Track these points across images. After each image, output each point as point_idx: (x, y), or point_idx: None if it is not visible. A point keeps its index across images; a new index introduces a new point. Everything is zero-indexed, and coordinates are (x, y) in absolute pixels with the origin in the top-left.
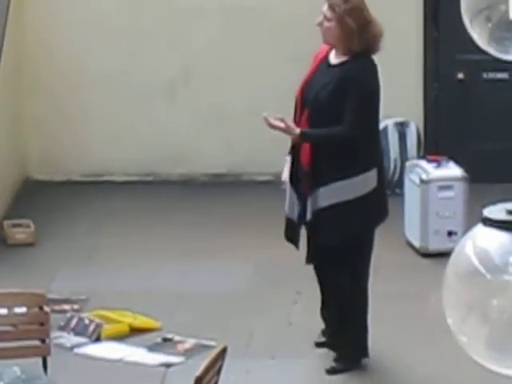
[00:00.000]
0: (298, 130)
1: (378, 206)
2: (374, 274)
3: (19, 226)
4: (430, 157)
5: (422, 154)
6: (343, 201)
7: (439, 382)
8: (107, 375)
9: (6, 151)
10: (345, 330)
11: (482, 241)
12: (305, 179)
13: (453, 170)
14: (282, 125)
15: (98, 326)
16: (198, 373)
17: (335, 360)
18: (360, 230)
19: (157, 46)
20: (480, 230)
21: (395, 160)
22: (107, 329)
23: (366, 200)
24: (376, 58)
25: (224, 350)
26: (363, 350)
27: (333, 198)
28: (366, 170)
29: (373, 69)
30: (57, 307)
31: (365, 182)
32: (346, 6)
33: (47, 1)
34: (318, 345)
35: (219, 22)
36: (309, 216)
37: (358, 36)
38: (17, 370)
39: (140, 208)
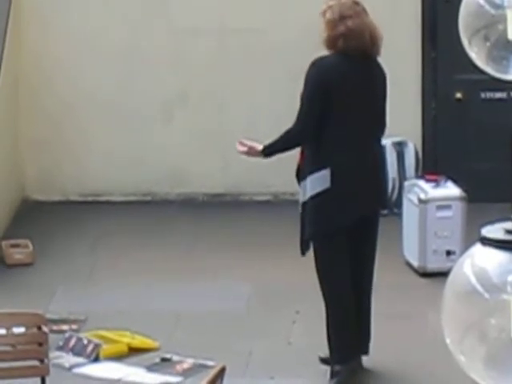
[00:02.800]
0: (260, 148)
1: (331, 208)
2: (373, 293)
3: (17, 246)
4: (428, 176)
5: (420, 173)
6: (309, 197)
7: None
8: None
9: (5, 172)
10: (327, 333)
11: (481, 260)
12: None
13: (451, 190)
14: (243, 149)
15: (97, 345)
16: None
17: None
18: (317, 228)
19: (154, 67)
20: (478, 249)
21: (393, 179)
22: (106, 349)
23: (319, 199)
24: None
25: (223, 370)
26: (349, 351)
27: (305, 193)
28: (319, 169)
29: (325, 64)
30: (55, 327)
31: (318, 181)
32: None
33: (44, 23)
34: (322, 361)
35: (217, 43)
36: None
37: (331, 28)
38: None
39: (138, 228)
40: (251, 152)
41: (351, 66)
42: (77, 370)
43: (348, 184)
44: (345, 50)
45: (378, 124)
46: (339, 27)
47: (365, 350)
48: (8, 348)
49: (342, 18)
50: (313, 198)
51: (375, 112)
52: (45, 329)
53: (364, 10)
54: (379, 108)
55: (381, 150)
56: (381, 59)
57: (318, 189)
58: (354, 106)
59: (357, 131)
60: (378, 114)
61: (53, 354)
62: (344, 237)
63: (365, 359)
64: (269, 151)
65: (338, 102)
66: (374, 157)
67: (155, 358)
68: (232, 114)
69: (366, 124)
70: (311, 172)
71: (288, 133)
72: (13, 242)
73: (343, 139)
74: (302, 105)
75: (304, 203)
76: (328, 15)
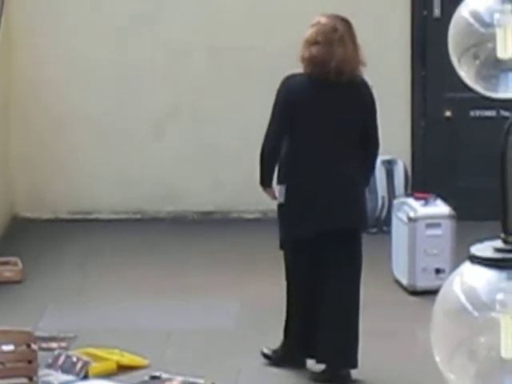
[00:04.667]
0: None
1: (285, 221)
2: (362, 311)
3: (7, 263)
4: (417, 194)
5: (409, 191)
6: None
7: None
8: None
9: None
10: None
11: (470, 278)
12: None
13: (440, 208)
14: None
15: (86, 363)
16: None
17: None
18: (279, 237)
19: (145, 84)
20: (467, 267)
21: (383, 198)
22: (95, 366)
23: (279, 211)
24: None
25: None
26: (294, 353)
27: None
28: (280, 182)
29: (291, 83)
30: (44, 345)
31: (279, 193)
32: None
33: (34, 42)
34: (265, 356)
35: (207, 60)
36: None
37: (302, 48)
38: None
39: (128, 246)
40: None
41: (317, 87)
42: None
43: (304, 201)
44: (309, 73)
45: (352, 144)
46: (305, 52)
47: (353, 364)
48: None
49: (312, 43)
50: (278, 207)
51: (345, 132)
52: (34, 346)
53: (341, 38)
54: (353, 132)
55: (360, 169)
56: (370, 77)
57: (280, 200)
58: (316, 125)
59: (319, 150)
60: (351, 134)
61: (42, 371)
62: (305, 249)
63: (354, 375)
64: (261, 181)
65: (301, 120)
66: (342, 175)
67: (144, 375)
68: (223, 131)
69: (331, 144)
70: (277, 183)
71: (262, 154)
72: (2, 259)
73: (303, 157)
74: (270, 122)
75: None
76: (305, 35)
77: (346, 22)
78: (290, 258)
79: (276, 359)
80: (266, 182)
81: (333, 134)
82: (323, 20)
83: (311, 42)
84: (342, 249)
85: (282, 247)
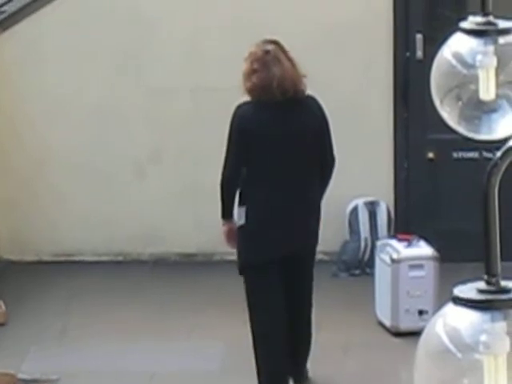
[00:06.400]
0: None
1: (247, 244)
2: (346, 352)
3: None
4: (400, 236)
5: (392, 233)
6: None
7: None
8: None
9: None
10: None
11: (453, 320)
12: None
13: (423, 249)
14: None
15: None
16: None
17: None
18: (238, 260)
19: (127, 126)
20: (451, 309)
21: (365, 239)
22: None
23: (239, 233)
24: (346, 138)
25: None
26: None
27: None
28: (239, 204)
29: (241, 111)
30: None
31: (238, 215)
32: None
33: (16, 82)
34: None
35: (191, 102)
36: None
37: (244, 81)
38: None
39: (111, 288)
40: (230, 237)
41: (266, 111)
42: None
43: (261, 222)
44: (257, 100)
45: (308, 165)
46: (247, 83)
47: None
48: None
49: (250, 72)
50: (238, 228)
51: (301, 150)
52: None
53: (274, 58)
54: (311, 149)
55: (319, 189)
56: (352, 118)
57: (240, 222)
58: (270, 149)
59: (275, 173)
60: (309, 150)
61: None
62: (265, 272)
63: None
64: (222, 214)
65: (254, 146)
66: (301, 197)
67: None
68: (205, 172)
69: (287, 166)
70: (238, 206)
71: (221, 186)
72: None
73: (260, 180)
74: (227, 152)
75: None
76: (243, 69)
77: (275, 43)
78: (251, 281)
79: None
80: (226, 213)
81: (290, 153)
82: (253, 49)
83: (250, 73)
84: (303, 272)
85: (241, 272)
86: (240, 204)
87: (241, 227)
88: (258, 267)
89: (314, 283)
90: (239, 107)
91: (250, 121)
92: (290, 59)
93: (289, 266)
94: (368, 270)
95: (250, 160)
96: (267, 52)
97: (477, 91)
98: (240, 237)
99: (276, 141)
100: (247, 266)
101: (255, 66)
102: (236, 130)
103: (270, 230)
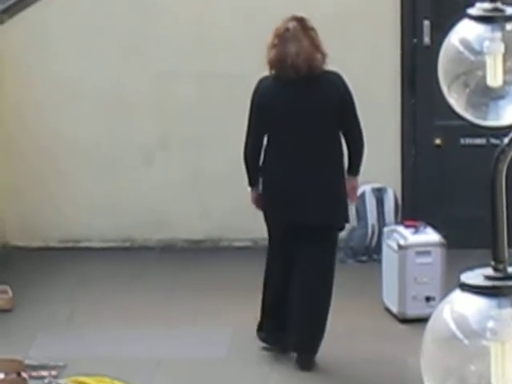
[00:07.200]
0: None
1: (267, 204)
2: (353, 339)
3: None
4: (407, 222)
5: (399, 219)
6: None
7: None
8: None
9: None
10: None
11: (460, 306)
12: None
13: (430, 236)
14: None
15: None
16: None
17: None
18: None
19: (134, 112)
20: (457, 295)
21: (373, 226)
22: None
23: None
24: None
25: None
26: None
27: None
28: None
29: (260, 85)
30: (34, 373)
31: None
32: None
33: (23, 69)
34: None
35: (197, 87)
36: None
37: (267, 54)
38: None
39: (118, 274)
40: (257, 203)
41: (282, 86)
42: None
43: (273, 193)
44: (275, 75)
45: (329, 137)
46: (268, 55)
47: (315, 351)
48: None
49: (271, 46)
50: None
51: (318, 126)
52: (24, 375)
53: (293, 35)
54: (328, 125)
55: (338, 163)
56: (360, 106)
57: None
58: (287, 124)
59: (292, 147)
60: (324, 131)
61: None
62: (280, 237)
63: None
64: (248, 182)
65: (272, 120)
66: (317, 172)
67: None
68: (212, 158)
69: (306, 139)
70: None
71: (244, 156)
72: None
73: (276, 154)
74: (248, 125)
75: None
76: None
77: (300, 21)
78: (270, 242)
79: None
80: (251, 182)
81: (303, 130)
82: (279, 25)
83: (270, 47)
84: (314, 245)
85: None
86: (260, 175)
87: (260, 195)
88: (275, 226)
89: None
90: (260, 81)
91: (265, 96)
92: (310, 37)
93: (303, 236)
94: (375, 257)
95: (269, 133)
96: (287, 29)
97: (484, 77)
98: (261, 202)
99: (289, 116)
100: (267, 216)
101: (275, 41)
102: (253, 102)
103: (279, 200)
